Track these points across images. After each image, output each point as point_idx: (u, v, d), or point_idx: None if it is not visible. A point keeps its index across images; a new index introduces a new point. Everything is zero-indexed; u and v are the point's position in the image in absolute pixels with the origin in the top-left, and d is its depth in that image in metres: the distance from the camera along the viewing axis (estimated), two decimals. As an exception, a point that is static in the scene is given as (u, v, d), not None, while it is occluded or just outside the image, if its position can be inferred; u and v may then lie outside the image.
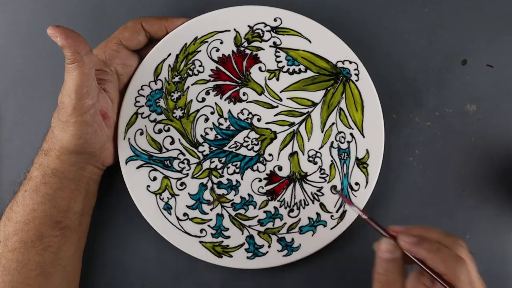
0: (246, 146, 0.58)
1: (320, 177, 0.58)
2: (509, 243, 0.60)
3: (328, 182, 0.58)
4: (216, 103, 0.58)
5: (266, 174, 0.58)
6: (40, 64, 0.61)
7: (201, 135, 0.58)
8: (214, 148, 0.58)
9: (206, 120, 0.58)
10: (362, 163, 0.57)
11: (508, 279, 0.60)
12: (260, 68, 0.58)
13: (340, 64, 0.57)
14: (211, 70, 0.58)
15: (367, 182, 0.57)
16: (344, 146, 0.58)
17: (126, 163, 0.57)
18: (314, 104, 0.58)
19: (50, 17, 0.61)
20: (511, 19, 0.61)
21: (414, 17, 0.61)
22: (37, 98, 0.61)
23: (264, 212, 0.57)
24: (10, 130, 0.61)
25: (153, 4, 0.61)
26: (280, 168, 0.58)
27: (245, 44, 0.57)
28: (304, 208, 0.58)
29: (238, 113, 0.58)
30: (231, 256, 0.57)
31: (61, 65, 0.59)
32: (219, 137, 0.58)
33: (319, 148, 0.58)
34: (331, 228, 0.57)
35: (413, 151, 0.61)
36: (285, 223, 0.57)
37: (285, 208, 0.57)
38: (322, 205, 0.57)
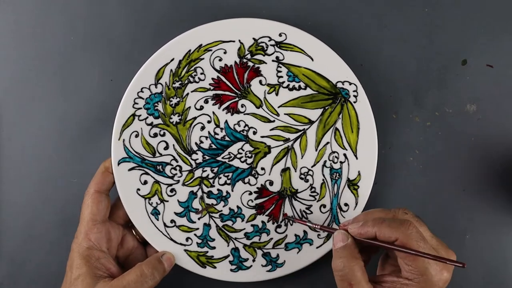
0: (240, 158, 0.58)
1: (310, 195, 0.58)
2: (509, 243, 0.60)
3: (317, 201, 0.58)
4: (213, 112, 0.58)
5: (257, 188, 0.58)
6: (40, 64, 0.61)
7: (196, 143, 0.57)
8: (207, 157, 0.57)
9: (202, 128, 0.58)
10: (353, 185, 0.58)
11: (508, 279, 0.59)
12: (260, 82, 0.58)
13: (340, 85, 0.58)
14: (212, 79, 0.58)
15: (356, 204, 0.58)
16: (336, 166, 0.58)
17: (119, 164, 0.56)
18: (311, 122, 0.58)
19: (50, 17, 0.61)
20: (511, 19, 0.62)
21: (414, 17, 0.62)
22: (37, 98, 0.61)
23: (252, 225, 0.57)
24: (10, 130, 0.61)
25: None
26: (271, 183, 0.58)
27: (248, 56, 0.58)
28: (291, 225, 0.57)
29: (235, 124, 0.58)
30: (214, 267, 0.56)
31: (61, 65, 0.60)
32: (214, 146, 0.58)
33: (312, 166, 0.58)
34: (317, 247, 0.57)
35: (413, 151, 0.61)
36: (271, 238, 0.57)
37: (273, 223, 0.57)
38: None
